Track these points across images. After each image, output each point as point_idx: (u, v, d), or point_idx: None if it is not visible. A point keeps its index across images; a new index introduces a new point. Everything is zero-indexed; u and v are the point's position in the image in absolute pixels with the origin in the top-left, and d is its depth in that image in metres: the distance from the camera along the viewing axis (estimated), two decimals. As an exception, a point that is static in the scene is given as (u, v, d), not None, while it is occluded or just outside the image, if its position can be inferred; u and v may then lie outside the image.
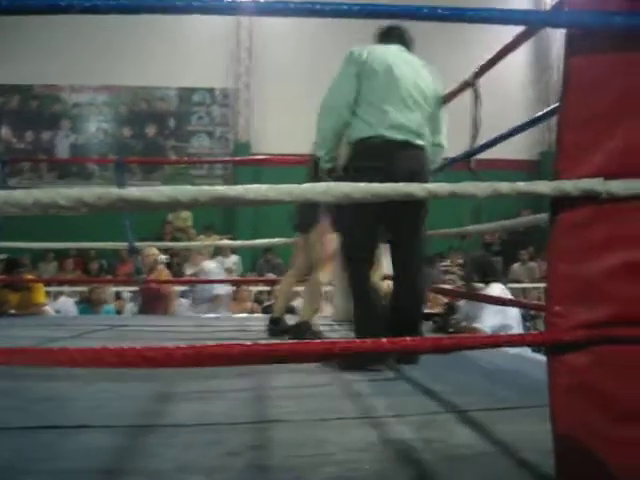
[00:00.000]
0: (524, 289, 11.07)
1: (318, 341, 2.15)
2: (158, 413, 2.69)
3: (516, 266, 13.22)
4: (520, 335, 3.36)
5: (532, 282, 11.81)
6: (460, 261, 13.11)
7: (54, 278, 11.72)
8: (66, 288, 9.71)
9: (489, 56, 3.72)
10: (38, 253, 12.52)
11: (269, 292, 9.81)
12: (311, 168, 4.58)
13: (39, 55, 13.56)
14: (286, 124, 13.78)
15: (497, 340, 2.27)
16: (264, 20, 14.28)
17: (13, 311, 6.94)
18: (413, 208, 3.68)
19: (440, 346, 1.86)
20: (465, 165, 4.14)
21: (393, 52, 3.92)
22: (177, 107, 14.67)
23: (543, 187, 1.82)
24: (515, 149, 12.03)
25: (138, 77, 14.06)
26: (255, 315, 8.35)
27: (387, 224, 3.91)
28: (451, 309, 5.68)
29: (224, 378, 3.24)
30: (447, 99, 4.15)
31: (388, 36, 4.05)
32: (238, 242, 11.50)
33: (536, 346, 3.05)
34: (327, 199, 1.67)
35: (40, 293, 7.36)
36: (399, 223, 3.86)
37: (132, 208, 1.61)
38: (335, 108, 3.79)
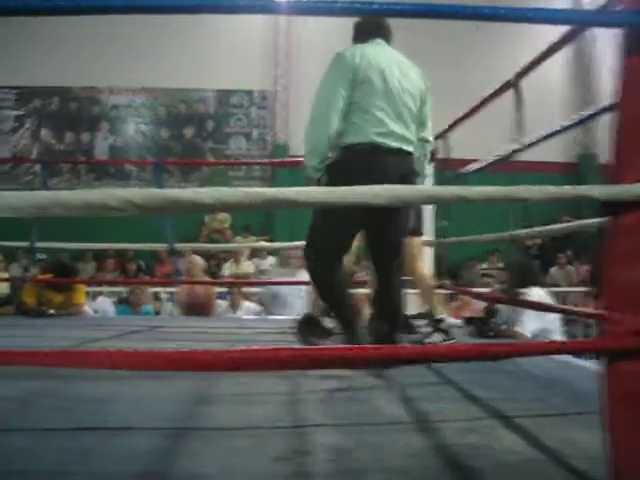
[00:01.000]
0: (562, 293, 10.94)
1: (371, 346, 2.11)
2: (199, 415, 2.67)
3: (554, 270, 13.09)
4: (576, 342, 3.31)
5: (570, 286, 11.68)
6: (499, 264, 13.06)
7: (95, 279, 11.80)
8: (104, 288, 9.74)
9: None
10: (77, 253, 12.60)
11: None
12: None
13: (78, 57, 13.67)
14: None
15: (552, 347, 2.22)
16: (301, 22, 14.30)
17: (52, 311, 6.98)
18: (396, 215, 3.78)
19: (493, 353, 1.82)
20: (502, 167, 4.10)
21: (384, 54, 3.88)
22: (215, 109, 14.72)
23: (595, 191, 1.78)
24: (550, 151, 11.91)
25: (176, 79, 14.12)
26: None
27: (370, 229, 3.90)
28: (491, 313, 5.62)
29: (263, 379, 3.22)
30: (487, 100, 4.12)
31: (374, 33, 3.98)
32: (277, 244, 11.52)
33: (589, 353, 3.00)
34: (381, 202, 1.64)
35: (81, 293, 7.40)
36: (382, 229, 3.86)
37: (182, 210, 1.58)
38: (327, 115, 3.70)
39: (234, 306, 8.61)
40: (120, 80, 14.12)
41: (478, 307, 9.22)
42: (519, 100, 3.74)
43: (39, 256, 9.75)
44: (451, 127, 5.33)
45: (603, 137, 12.30)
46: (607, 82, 11.15)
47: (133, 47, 13.70)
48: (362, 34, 4.02)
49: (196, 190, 1.57)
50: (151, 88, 14.48)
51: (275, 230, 13.65)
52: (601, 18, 2.08)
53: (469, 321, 5.78)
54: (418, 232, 5.23)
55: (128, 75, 13.91)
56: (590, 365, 3.51)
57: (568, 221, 9.19)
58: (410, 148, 3.86)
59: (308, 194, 1.59)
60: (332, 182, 3.65)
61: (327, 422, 2.54)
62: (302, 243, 8.72)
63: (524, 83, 3.74)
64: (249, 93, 14.69)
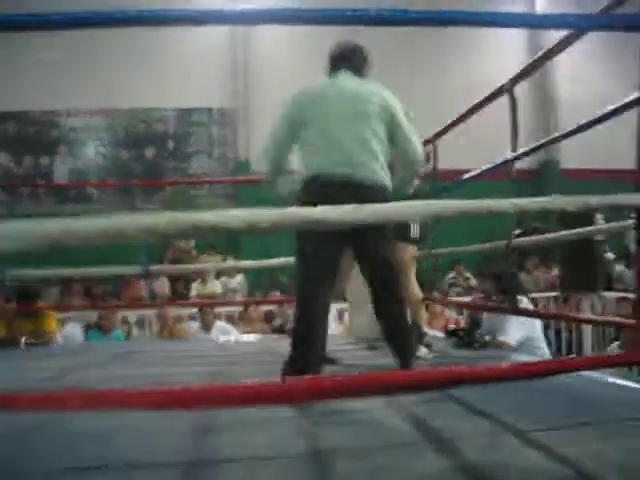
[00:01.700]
0: (533, 299, 10.95)
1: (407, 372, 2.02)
2: (205, 446, 2.57)
3: (522, 276, 13.12)
4: (619, 355, 3.26)
5: (539, 291, 11.71)
6: (466, 274, 13.07)
7: (66, 305, 11.57)
8: (72, 314, 9.56)
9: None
10: (42, 279, 12.35)
11: (275, 312, 9.73)
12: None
13: (34, 81, 13.47)
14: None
15: (599, 361, 2.16)
16: (258, 37, 14.27)
17: (24, 339, 6.81)
18: (372, 236, 3.83)
19: (537, 371, 1.76)
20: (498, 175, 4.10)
21: (334, 87, 4.10)
22: (175, 128, 14.57)
23: (627, 200, 1.73)
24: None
25: (135, 99, 13.96)
26: (270, 336, 8.24)
27: (355, 252, 4.02)
28: (475, 324, 5.59)
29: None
30: (482, 104, 4.10)
31: (338, 65, 4.27)
32: (244, 262, 11.44)
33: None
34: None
35: (52, 320, 7.25)
36: (365, 250, 3.98)
37: (205, 234, 1.50)
38: (268, 150, 4.08)
39: (206, 326, 8.51)
40: (78, 102, 13.91)
41: (450, 317, 9.24)
42: (514, 106, 3.72)
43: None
44: (437, 135, 5.30)
45: (565, 143, 12.42)
46: (566, 90, 11.24)
47: (90, 68, 13.52)
48: (331, 66, 4.32)
49: (220, 213, 1.49)
50: (109, 109, 14.28)
51: (242, 248, 13.53)
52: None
53: (452, 333, 5.73)
54: (413, 240, 5.21)
55: (85, 97, 13.71)
56: (596, 374, 3.45)
57: (539, 227, 9.23)
58: (362, 174, 3.86)
59: (340, 214, 1.52)
60: None
61: (338, 447, 2.45)
62: (269, 262, 8.68)
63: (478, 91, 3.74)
64: (209, 111, 14.57)
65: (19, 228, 1.47)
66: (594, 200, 1.78)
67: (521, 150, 3.81)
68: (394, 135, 4.02)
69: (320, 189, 3.81)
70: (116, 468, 2.30)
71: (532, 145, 3.78)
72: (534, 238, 4.96)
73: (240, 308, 9.95)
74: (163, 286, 12.25)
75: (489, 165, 4.31)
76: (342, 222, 1.53)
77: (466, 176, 4.72)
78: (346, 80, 4.13)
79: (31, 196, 14.13)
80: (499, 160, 4.13)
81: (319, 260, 3.88)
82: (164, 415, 2.89)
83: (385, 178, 3.94)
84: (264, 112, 14.63)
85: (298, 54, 14.09)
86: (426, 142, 5.22)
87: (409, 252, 5.08)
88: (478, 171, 4.47)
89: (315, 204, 3.37)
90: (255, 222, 1.48)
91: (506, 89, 3.83)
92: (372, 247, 3.94)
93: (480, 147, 10.40)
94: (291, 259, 7.88)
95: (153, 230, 1.48)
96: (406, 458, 2.30)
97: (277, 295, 11.18)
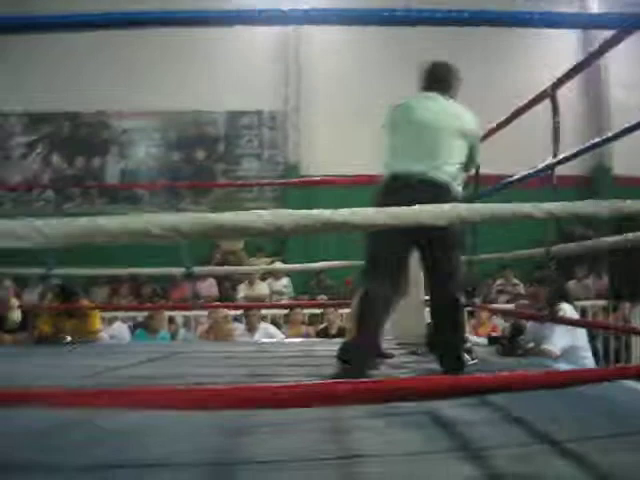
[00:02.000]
0: (582, 307, 10.78)
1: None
2: (236, 448, 2.56)
3: (571, 284, 12.94)
4: None
5: (588, 300, 11.53)
6: (514, 280, 12.93)
7: (111, 304, 11.73)
8: (120, 313, 9.67)
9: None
10: (90, 278, 12.52)
11: (322, 315, 9.69)
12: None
13: (87, 82, 13.64)
14: (335, 145, 13.72)
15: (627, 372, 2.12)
16: (311, 42, 14.27)
17: (69, 338, 6.91)
18: (441, 236, 4.06)
19: (569, 380, 1.72)
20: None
21: (423, 104, 4.43)
22: (225, 130, 14.65)
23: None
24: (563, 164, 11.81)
25: (186, 101, 14.05)
26: (314, 339, 8.24)
27: (420, 252, 4.27)
28: (518, 331, 5.51)
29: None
30: (524, 109, 4.07)
31: (432, 86, 4.53)
32: (290, 266, 11.47)
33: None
34: (442, 222, 1.56)
35: (96, 319, 7.33)
36: (430, 251, 4.20)
37: (229, 235, 1.50)
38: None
39: (251, 329, 8.54)
40: (130, 104, 14.06)
41: (497, 325, 9.15)
42: (556, 111, 3.67)
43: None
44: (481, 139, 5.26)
45: (618, 150, 12.17)
46: (617, 96, 11.07)
47: (142, 70, 13.67)
48: (426, 84, 4.58)
49: (243, 214, 1.49)
50: (161, 111, 14.42)
51: (288, 251, 13.56)
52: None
53: (494, 340, 5.68)
54: None
55: (138, 99, 13.86)
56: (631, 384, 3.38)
57: (584, 234, 9.12)
58: (433, 176, 4.18)
59: (364, 215, 1.51)
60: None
61: (372, 452, 2.43)
62: (315, 265, 8.65)
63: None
64: (259, 114, 14.61)
65: (44, 226, 1.48)
66: (628, 205, 1.74)
67: (562, 155, 3.76)
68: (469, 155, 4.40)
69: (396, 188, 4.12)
70: (145, 467, 2.31)
71: (574, 149, 3.73)
72: (574, 245, 4.87)
73: (285, 311, 9.96)
74: (210, 287, 12.34)
75: (530, 171, 4.27)
76: (364, 225, 1.52)
77: (505, 181, 4.67)
78: (437, 99, 4.44)
79: (83, 196, 14.32)
80: (540, 166, 4.09)
81: (386, 257, 4.14)
82: (196, 414, 2.88)
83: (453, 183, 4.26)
84: (314, 116, 14.75)
85: (348, 58, 14.11)
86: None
87: None
88: (518, 176, 4.42)
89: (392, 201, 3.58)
90: (278, 224, 1.48)
91: (548, 93, 3.79)
92: (435, 249, 4.16)
93: (528, 152, 10.33)
94: (337, 262, 7.92)
95: (177, 230, 1.48)
96: (436, 465, 2.28)
97: (322, 298, 11.19)
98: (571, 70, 3.58)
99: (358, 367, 3.94)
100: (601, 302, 10.46)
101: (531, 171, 4.25)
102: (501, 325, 8.93)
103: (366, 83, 13.66)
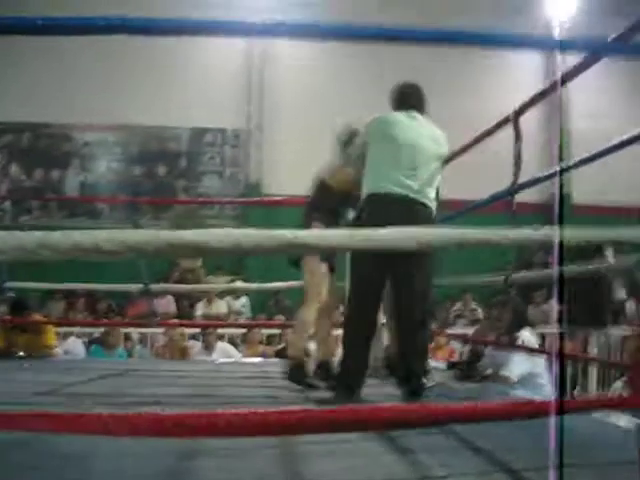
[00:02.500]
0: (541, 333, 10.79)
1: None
2: (186, 473, 2.48)
3: (530, 309, 12.97)
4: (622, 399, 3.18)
5: (547, 325, 11.56)
6: (473, 305, 12.95)
7: (66, 320, 11.53)
8: (75, 329, 9.52)
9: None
10: (46, 292, 12.34)
11: (280, 335, 9.63)
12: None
13: (50, 94, 13.49)
14: (297, 165, 13.66)
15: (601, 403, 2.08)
16: (275, 60, 14.25)
17: (22, 353, 6.77)
18: (416, 258, 4.08)
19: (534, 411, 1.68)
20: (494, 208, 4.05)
21: (405, 123, 4.44)
22: (188, 147, 14.56)
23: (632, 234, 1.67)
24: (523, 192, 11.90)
25: (149, 116, 13.94)
26: (271, 360, 8.16)
27: (392, 276, 4.29)
28: (476, 356, 5.50)
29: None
30: (484, 136, 4.07)
31: (401, 103, 4.58)
32: (248, 285, 11.39)
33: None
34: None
35: (50, 334, 7.20)
36: (403, 273, 4.24)
37: (180, 253, 1.43)
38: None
39: (208, 347, 8.45)
40: (92, 117, 13.92)
41: (454, 349, 9.14)
42: (518, 137, 3.66)
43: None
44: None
45: (577, 178, 12.25)
46: (578, 126, 11.13)
47: (106, 84, 13.54)
48: (393, 104, 4.63)
49: (200, 232, 1.43)
50: (124, 125, 14.28)
51: (246, 269, 13.46)
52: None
53: (452, 365, 5.66)
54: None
55: (101, 112, 13.72)
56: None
57: (544, 260, 9.14)
58: (415, 196, 4.28)
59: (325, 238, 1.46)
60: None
61: (322, 479, 2.37)
62: (274, 285, 8.57)
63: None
64: (222, 131, 14.55)
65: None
66: (598, 233, 1.72)
67: (521, 181, 3.76)
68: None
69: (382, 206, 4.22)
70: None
71: (534, 176, 3.73)
72: (532, 273, 4.88)
73: (243, 330, 9.87)
74: (168, 304, 12.19)
75: (490, 196, 4.26)
76: (324, 246, 1.47)
77: (471, 206, 4.67)
78: (419, 120, 4.50)
79: (41, 209, 14.13)
80: (499, 191, 4.09)
81: (370, 282, 4.27)
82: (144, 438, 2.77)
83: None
84: (277, 134, 14.71)
85: (313, 78, 14.10)
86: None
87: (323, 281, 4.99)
88: (480, 201, 4.42)
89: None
90: (236, 243, 1.42)
91: (511, 119, 3.79)
92: (409, 271, 4.21)
93: (489, 177, 10.40)
94: (295, 283, 7.87)
95: (128, 246, 1.42)
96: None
97: (280, 319, 11.11)
98: (535, 96, 3.58)
99: (350, 391, 4.13)
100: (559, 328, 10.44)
101: (489, 197, 4.24)
102: (458, 350, 8.94)
103: (330, 102, 13.65)
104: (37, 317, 7.54)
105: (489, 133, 4.16)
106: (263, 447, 2.73)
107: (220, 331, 8.99)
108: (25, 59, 13.02)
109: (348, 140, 5.03)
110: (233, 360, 7.93)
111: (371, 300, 4.34)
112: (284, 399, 4.31)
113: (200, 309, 11.73)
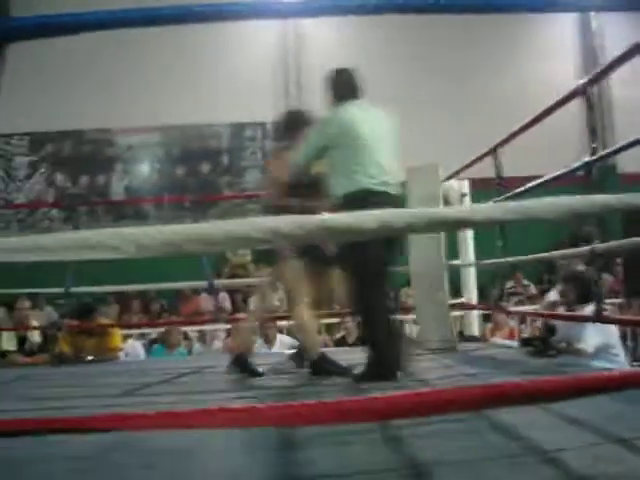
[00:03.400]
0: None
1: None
2: (291, 463, 2.46)
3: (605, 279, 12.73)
4: None
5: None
6: (524, 282, 12.83)
7: (129, 322, 11.62)
8: (134, 331, 9.59)
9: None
10: (99, 297, 12.45)
11: (339, 324, 9.61)
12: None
13: (89, 100, 13.60)
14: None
15: None
16: (311, 52, 14.21)
17: (90, 357, 6.83)
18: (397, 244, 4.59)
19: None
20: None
21: (361, 113, 4.54)
22: (229, 143, 14.61)
23: None
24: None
25: (189, 116, 14.01)
26: (332, 349, 8.14)
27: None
28: (550, 331, 5.44)
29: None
30: (554, 108, 4.00)
31: (350, 96, 4.62)
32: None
33: None
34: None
35: (116, 337, 7.26)
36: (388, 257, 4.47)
37: (337, 236, 1.42)
38: (303, 164, 4.62)
39: (268, 341, 8.44)
40: (133, 120, 14.00)
41: (514, 327, 9.05)
42: (590, 108, 3.60)
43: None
44: (504, 142, 5.18)
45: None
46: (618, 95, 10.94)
47: (143, 86, 13.63)
48: (338, 94, 4.65)
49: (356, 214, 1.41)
50: (164, 126, 14.37)
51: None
52: None
53: (526, 342, 5.60)
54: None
55: (141, 115, 13.80)
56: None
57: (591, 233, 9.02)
58: (392, 191, 4.45)
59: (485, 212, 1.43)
60: None
61: (437, 460, 2.34)
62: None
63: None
64: (262, 125, 14.56)
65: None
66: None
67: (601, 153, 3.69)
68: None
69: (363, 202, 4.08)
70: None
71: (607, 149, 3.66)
72: (614, 243, 4.79)
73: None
74: (224, 301, 12.24)
75: (564, 170, 4.20)
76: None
77: (538, 181, 4.60)
78: (367, 106, 4.63)
79: (89, 214, 14.25)
80: (575, 164, 4.02)
81: (378, 267, 4.40)
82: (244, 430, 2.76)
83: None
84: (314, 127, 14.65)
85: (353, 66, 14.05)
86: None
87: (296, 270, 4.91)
88: (550, 176, 4.35)
89: None
90: (389, 223, 1.40)
91: (580, 91, 3.71)
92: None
93: (544, 153, 10.30)
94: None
95: (280, 233, 1.41)
96: (508, 471, 2.19)
97: (337, 308, 11.07)
98: (605, 69, 3.51)
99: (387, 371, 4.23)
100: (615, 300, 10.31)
101: (568, 169, 4.17)
102: (517, 328, 8.85)
103: (367, 91, 13.61)
104: (103, 321, 7.60)
105: (556, 107, 4.07)
106: (365, 431, 2.71)
107: (280, 324, 8.97)
108: (63, 67, 13.14)
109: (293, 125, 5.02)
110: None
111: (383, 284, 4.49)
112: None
113: (253, 303, 11.73)
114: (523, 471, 2.18)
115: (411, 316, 7.81)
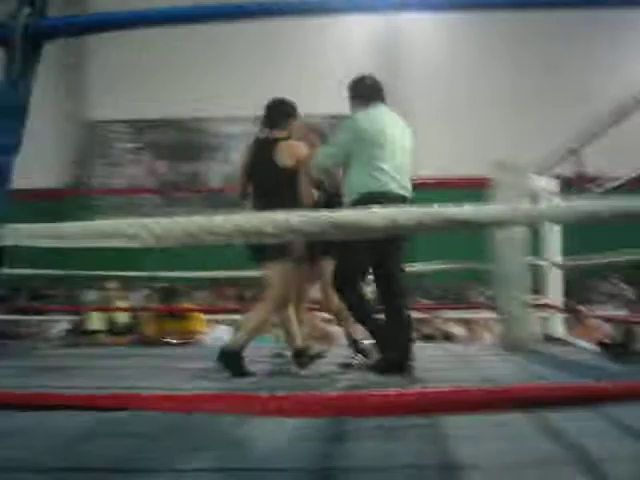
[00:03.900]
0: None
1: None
2: (340, 454, 2.47)
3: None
4: None
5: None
6: (620, 284, 12.44)
7: (213, 307, 11.78)
8: (222, 316, 9.72)
9: None
10: (194, 281, 12.69)
11: (425, 320, 9.52)
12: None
13: (192, 88, 13.83)
14: (441, 145, 13.54)
15: None
16: (409, 45, 14.16)
17: (173, 340, 6.99)
18: (401, 244, 4.57)
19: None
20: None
21: (387, 117, 4.64)
22: (330, 133, 14.63)
23: None
24: None
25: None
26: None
27: (382, 257, 4.52)
28: (631, 336, 5.29)
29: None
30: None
31: (375, 97, 4.70)
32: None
33: None
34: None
35: (199, 321, 7.39)
36: (390, 257, 4.53)
37: (346, 232, 1.43)
38: (325, 165, 4.75)
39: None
40: (234, 109, 14.18)
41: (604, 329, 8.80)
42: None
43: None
44: (589, 139, 5.05)
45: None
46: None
47: (245, 75, 13.80)
48: (363, 99, 4.71)
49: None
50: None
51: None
52: None
53: (605, 346, 5.46)
54: None
55: (242, 103, 13.97)
56: None
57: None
58: (408, 195, 4.57)
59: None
60: None
61: (475, 461, 2.30)
62: (417, 268, 8.39)
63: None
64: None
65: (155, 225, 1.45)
66: None
67: None
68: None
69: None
70: (249, 471, 2.26)
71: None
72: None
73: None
74: (316, 291, 12.21)
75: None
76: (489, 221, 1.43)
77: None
78: (388, 111, 4.70)
79: (186, 202, 14.51)
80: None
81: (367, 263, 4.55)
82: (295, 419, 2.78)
83: None
84: (416, 116, 14.57)
85: (447, 57, 13.94)
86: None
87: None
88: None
89: None
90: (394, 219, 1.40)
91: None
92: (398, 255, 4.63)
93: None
94: (437, 266, 7.74)
95: (292, 229, 1.42)
96: (553, 477, 2.14)
97: (426, 302, 11.01)
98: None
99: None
100: None
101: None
102: (607, 330, 8.61)
103: (465, 81, 13.49)
104: (186, 305, 7.75)
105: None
106: (414, 427, 2.70)
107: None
108: (166, 56, 13.41)
109: None
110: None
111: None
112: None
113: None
114: (564, 477, 2.13)
115: (491, 315, 7.69)
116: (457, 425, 2.77)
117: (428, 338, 8.64)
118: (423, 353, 5.15)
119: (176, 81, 13.88)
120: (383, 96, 4.73)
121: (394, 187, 4.46)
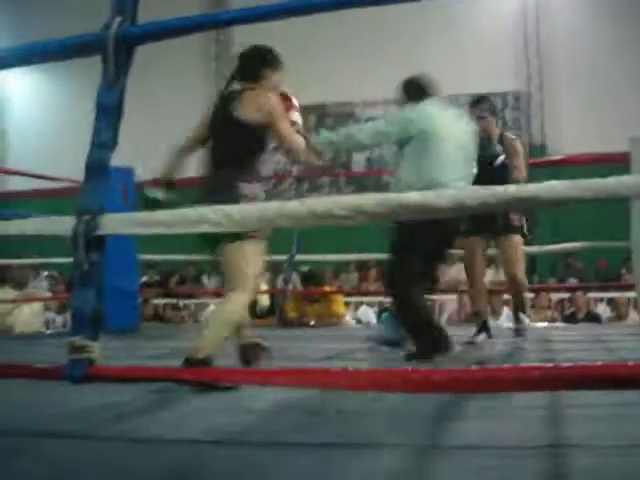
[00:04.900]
0: None
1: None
2: (446, 432, 2.51)
3: None
4: None
5: None
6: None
7: (355, 289, 11.94)
8: (367, 298, 9.85)
9: None
10: (339, 265, 12.89)
11: (570, 299, 9.36)
12: None
13: (331, 73, 13.99)
14: (581, 124, 13.21)
15: None
16: (550, 22, 13.84)
17: (312, 322, 7.16)
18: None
19: None
20: None
21: (443, 111, 4.75)
22: (468, 113, 14.48)
23: None
24: None
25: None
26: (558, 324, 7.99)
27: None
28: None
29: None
30: None
31: (429, 92, 4.83)
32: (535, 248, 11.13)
33: None
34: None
35: (339, 304, 7.53)
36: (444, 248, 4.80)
37: (411, 214, 1.49)
38: (365, 143, 4.84)
39: (494, 313, 8.42)
40: (373, 93, 14.24)
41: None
42: None
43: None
44: None
45: None
46: None
47: (384, 58, 13.82)
48: (421, 94, 4.79)
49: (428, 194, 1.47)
50: (404, 98, 14.51)
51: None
52: None
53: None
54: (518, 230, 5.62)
55: (380, 87, 14.03)
56: None
57: None
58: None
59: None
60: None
61: (587, 442, 2.27)
62: (564, 246, 8.25)
63: None
64: (503, 95, 14.32)
65: (234, 210, 1.54)
66: None
67: None
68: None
69: None
70: (355, 446, 2.33)
71: None
72: None
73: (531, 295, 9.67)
74: (459, 272, 12.16)
75: None
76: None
77: None
78: (446, 106, 4.88)
79: (331, 186, 14.69)
80: None
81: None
82: (411, 399, 2.83)
83: None
84: (558, 95, 14.24)
85: (592, 36, 13.53)
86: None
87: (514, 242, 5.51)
88: None
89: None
90: (459, 202, 1.44)
91: None
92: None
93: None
94: (590, 243, 7.57)
95: (362, 210, 1.49)
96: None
97: (571, 282, 10.81)
98: None
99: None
100: None
101: None
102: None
103: (611, 56, 13.08)
104: (327, 288, 7.91)
105: None
106: (524, 409, 2.71)
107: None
108: (305, 42, 13.59)
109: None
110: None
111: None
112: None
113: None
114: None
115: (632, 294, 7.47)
116: (571, 404, 2.76)
117: (572, 318, 8.48)
118: (561, 333, 5.09)
119: (316, 66, 14.05)
120: (438, 90, 4.87)
121: (447, 180, 4.38)
